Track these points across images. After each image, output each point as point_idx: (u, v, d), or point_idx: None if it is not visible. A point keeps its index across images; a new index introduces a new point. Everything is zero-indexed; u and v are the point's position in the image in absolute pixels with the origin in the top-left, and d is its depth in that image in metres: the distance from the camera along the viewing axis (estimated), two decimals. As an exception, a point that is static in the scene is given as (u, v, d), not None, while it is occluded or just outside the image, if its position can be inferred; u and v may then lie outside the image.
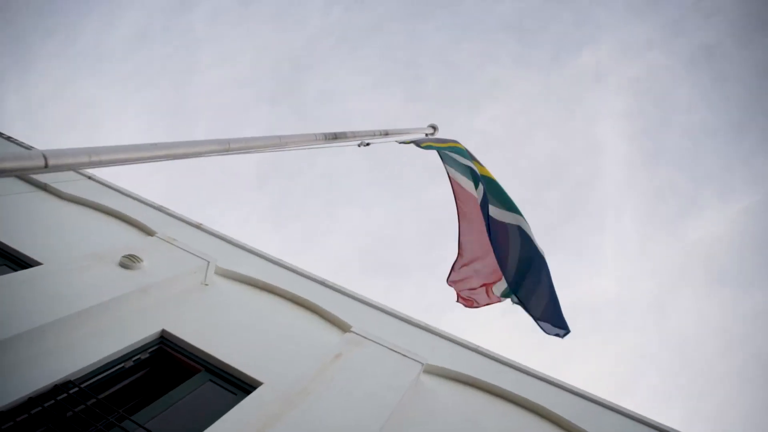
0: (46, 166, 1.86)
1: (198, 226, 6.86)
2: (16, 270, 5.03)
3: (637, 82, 16.03)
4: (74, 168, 1.91)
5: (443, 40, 16.78)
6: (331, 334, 5.61)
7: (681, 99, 15.47)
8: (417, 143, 4.36)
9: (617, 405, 5.46)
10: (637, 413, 5.37)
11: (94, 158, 1.98)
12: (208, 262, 5.84)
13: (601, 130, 16.08)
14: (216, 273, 6.04)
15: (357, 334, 5.36)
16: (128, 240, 6.14)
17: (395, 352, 5.23)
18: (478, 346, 5.82)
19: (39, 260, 5.20)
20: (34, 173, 1.89)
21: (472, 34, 16.62)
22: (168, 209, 7.03)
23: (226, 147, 2.45)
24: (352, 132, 3.40)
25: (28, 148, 7.55)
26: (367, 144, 3.50)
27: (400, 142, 4.35)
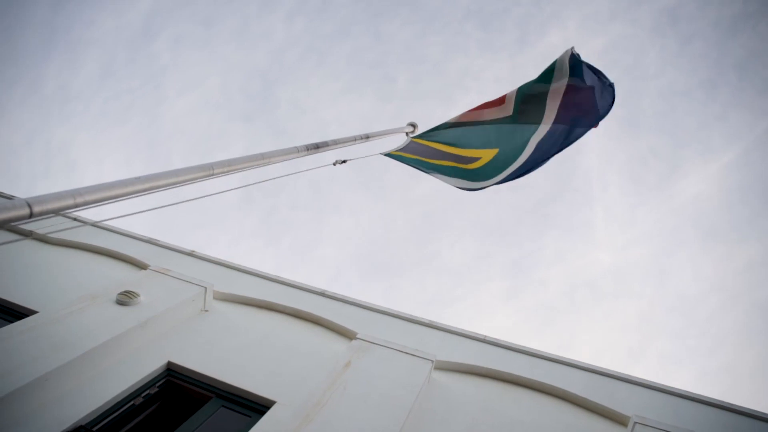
0: (31, 213, 1.83)
1: (190, 254, 6.81)
2: (12, 321, 4.96)
3: (605, 54, 16.16)
4: (60, 212, 1.89)
5: (409, 36, 16.83)
6: (337, 343, 5.59)
7: (650, 65, 15.63)
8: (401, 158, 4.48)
9: (628, 375, 5.48)
10: (648, 380, 5.40)
11: (79, 199, 1.95)
12: (205, 287, 5.80)
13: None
14: (215, 298, 5.99)
15: (363, 340, 5.35)
16: (122, 276, 6.08)
17: (404, 353, 5.22)
18: (486, 336, 5.82)
19: (34, 309, 5.13)
20: (19, 222, 1.86)
21: (437, 27, 16.67)
22: (157, 240, 6.97)
23: (210, 171, 2.43)
24: (333, 140, 3.40)
25: (9, 197, 7.44)
26: (343, 161, 3.49)
27: (386, 154, 4.40)
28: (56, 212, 1.87)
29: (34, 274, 5.94)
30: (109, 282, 5.71)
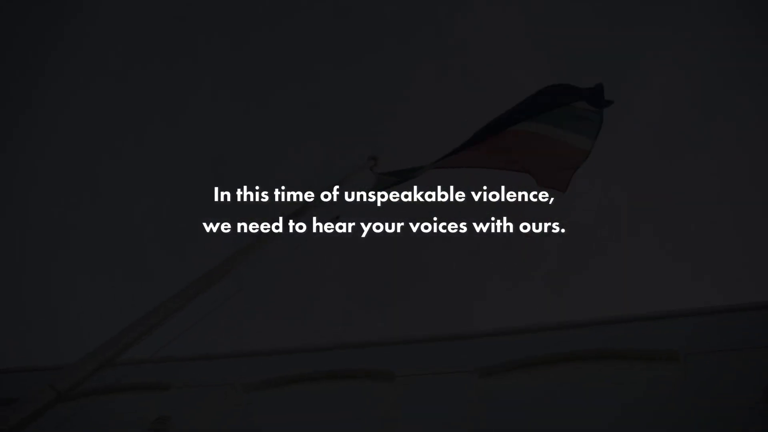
0: (58, 396, 1.76)
1: (206, 357, 6.65)
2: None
3: (529, 14, 16.16)
4: (87, 380, 1.83)
5: (333, 72, 16.93)
6: (380, 388, 5.48)
7: (569, 6, 15.73)
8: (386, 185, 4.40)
9: (659, 311, 5.48)
10: (680, 309, 5.42)
11: (101, 357, 1.90)
12: (232, 384, 5.68)
13: (515, 74, 16.17)
14: (244, 390, 5.85)
15: (403, 375, 5.29)
16: (149, 405, 5.88)
17: (444, 374, 5.17)
18: (515, 327, 5.79)
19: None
20: (49, 409, 1.78)
21: (356, 55, 16.77)
22: (170, 356, 6.79)
23: (210, 282, 2.42)
24: (309, 202, 3.41)
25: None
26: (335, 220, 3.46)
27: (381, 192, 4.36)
28: (85, 382, 1.81)
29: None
30: (138, 416, 5.54)
